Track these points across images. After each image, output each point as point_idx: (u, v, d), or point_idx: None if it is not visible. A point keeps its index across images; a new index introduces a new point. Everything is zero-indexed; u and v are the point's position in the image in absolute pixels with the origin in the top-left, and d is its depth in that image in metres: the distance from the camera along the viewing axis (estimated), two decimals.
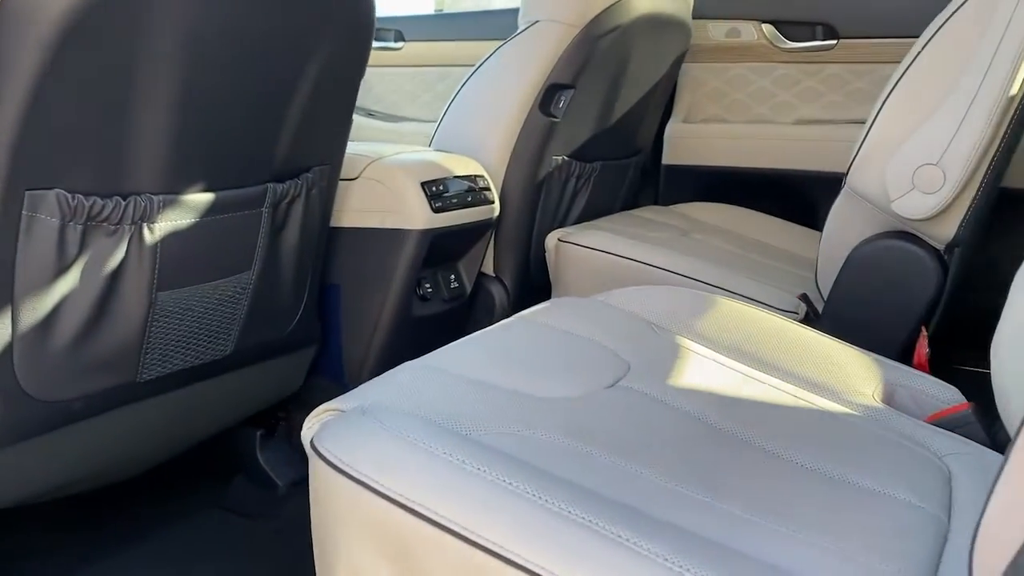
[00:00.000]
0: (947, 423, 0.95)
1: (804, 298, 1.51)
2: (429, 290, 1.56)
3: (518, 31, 1.64)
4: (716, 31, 2.11)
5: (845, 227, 1.42)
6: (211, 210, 1.12)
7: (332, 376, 1.54)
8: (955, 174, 1.25)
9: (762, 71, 2.13)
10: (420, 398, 0.79)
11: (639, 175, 2.10)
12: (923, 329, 1.36)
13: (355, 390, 0.83)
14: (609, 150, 1.90)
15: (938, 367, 1.35)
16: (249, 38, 1.04)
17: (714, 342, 1.06)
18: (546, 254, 1.73)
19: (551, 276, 1.72)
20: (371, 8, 1.19)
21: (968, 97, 1.23)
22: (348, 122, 1.31)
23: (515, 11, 1.72)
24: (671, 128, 2.18)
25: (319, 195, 1.31)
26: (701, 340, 1.06)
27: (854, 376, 1.01)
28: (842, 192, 1.42)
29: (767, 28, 2.08)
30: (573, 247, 1.65)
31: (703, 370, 0.98)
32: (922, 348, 1.37)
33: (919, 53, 1.30)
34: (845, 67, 2.04)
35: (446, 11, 3.34)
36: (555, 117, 1.65)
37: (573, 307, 1.12)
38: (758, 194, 2.10)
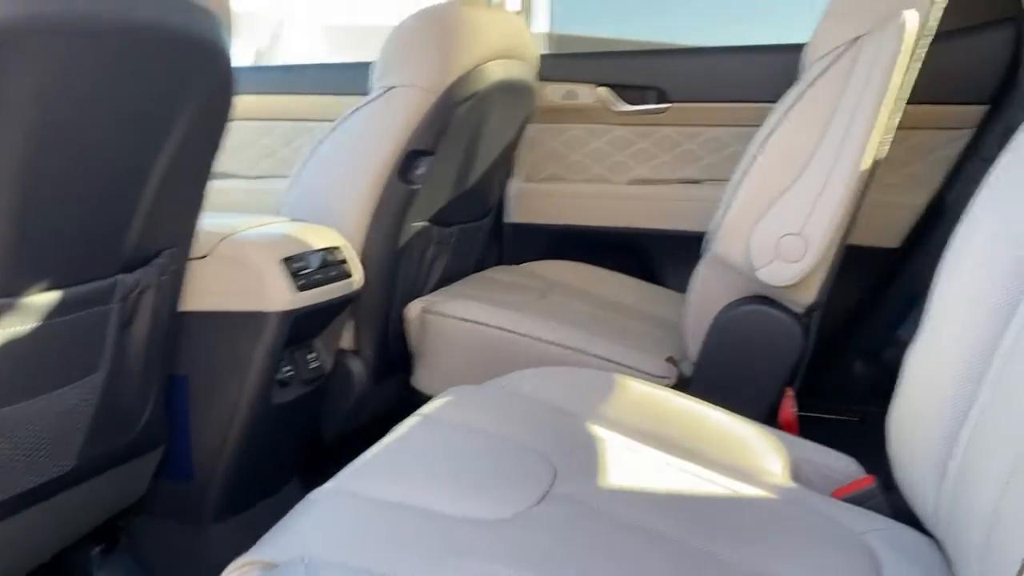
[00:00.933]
0: (856, 498, 0.97)
1: (672, 361, 1.53)
2: (289, 373, 1.44)
3: (374, 95, 1.58)
4: (554, 93, 2.14)
5: (710, 291, 1.46)
6: (54, 311, 0.96)
7: (179, 476, 1.38)
8: (816, 243, 1.32)
9: (598, 132, 2.18)
10: (351, 541, 0.70)
11: (489, 236, 2.08)
12: (788, 390, 1.42)
13: (273, 533, 0.73)
14: (465, 213, 1.86)
15: (806, 421, 1.41)
16: (105, 118, 0.91)
17: (627, 427, 1.04)
18: (406, 325, 1.65)
19: (412, 347, 1.65)
20: (230, 73, 1.08)
21: (826, 168, 1.30)
22: (202, 198, 1.18)
23: (365, 65, 1.65)
24: (514, 187, 2.18)
25: (170, 281, 1.17)
26: (614, 426, 1.04)
27: (763, 455, 1.02)
28: (706, 258, 1.46)
29: (603, 91, 2.14)
30: (438, 318, 1.59)
31: (628, 464, 0.95)
32: (787, 407, 1.42)
33: (777, 126, 1.37)
34: (676, 129, 2.13)
35: (267, 63, 3.18)
36: (415, 184, 1.59)
37: (477, 399, 1.06)
38: (599, 251, 2.14)
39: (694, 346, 1.48)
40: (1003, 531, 0.68)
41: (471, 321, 1.55)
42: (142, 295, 1.12)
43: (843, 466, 1.03)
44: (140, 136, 0.98)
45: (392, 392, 1.76)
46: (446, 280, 1.83)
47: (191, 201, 1.16)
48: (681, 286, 2.05)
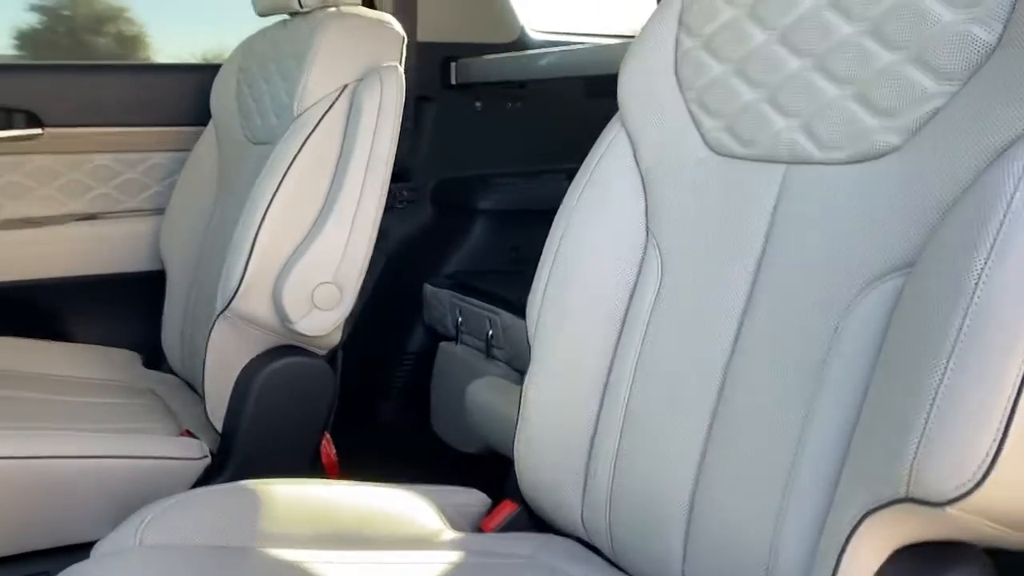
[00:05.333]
0: (507, 526, 1.08)
1: (190, 434, 1.38)
2: None
3: None
4: None
5: (231, 352, 1.35)
6: None
7: None
8: (350, 288, 1.34)
9: None
10: None
11: None
12: (325, 433, 1.43)
13: None
14: None
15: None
16: None
17: (296, 538, 0.94)
18: None
19: None
20: None
21: (349, 214, 1.33)
22: None
23: None
24: None
25: None
26: (285, 543, 0.93)
27: (422, 516, 1.04)
28: (222, 318, 1.34)
29: None
30: None
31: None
32: (328, 451, 1.44)
33: (284, 176, 1.32)
34: (55, 158, 1.82)
35: None
36: None
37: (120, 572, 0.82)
38: None
39: (217, 414, 1.36)
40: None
41: None
42: None
43: (474, 499, 1.12)
44: None
45: None
46: None
47: None
48: (103, 338, 1.81)
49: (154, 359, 1.78)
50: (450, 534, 1.04)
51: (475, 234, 2.03)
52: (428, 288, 1.92)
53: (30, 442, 1.19)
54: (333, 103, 1.36)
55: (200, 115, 1.79)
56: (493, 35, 2.15)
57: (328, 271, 1.32)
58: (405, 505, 1.06)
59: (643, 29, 1.07)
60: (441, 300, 1.88)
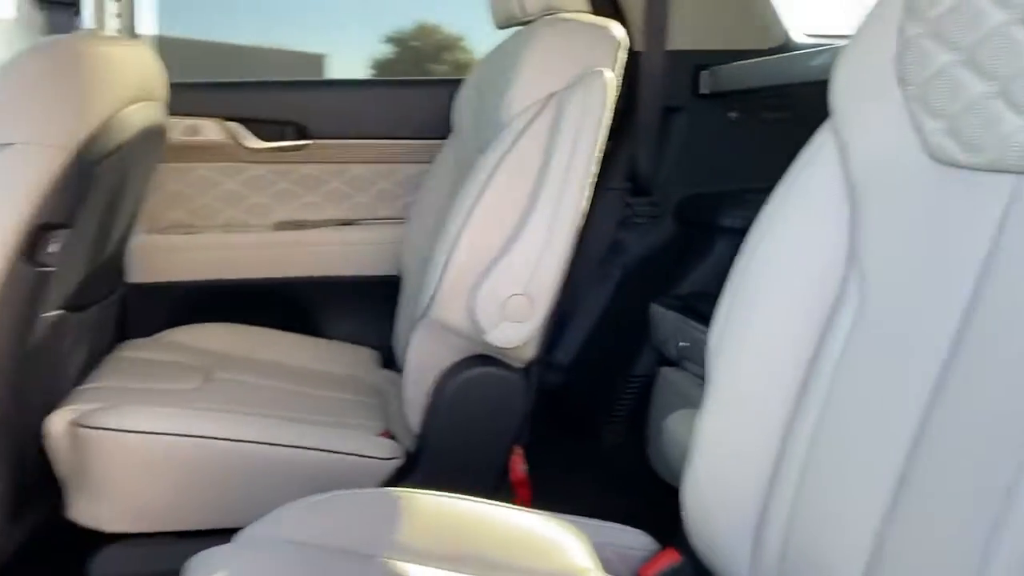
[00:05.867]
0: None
1: (389, 435, 1.41)
2: None
3: None
4: (174, 128, 1.85)
5: (429, 357, 1.37)
6: None
7: None
8: (543, 301, 1.30)
9: (230, 171, 1.94)
10: None
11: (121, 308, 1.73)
12: (516, 448, 1.39)
13: None
14: (102, 288, 1.51)
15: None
16: None
17: (429, 555, 0.91)
18: (48, 443, 1.29)
19: (60, 467, 1.29)
20: None
21: (545, 225, 1.28)
22: None
23: None
24: (135, 241, 1.84)
25: None
26: (417, 558, 0.90)
27: (571, 552, 0.97)
28: (422, 323, 1.36)
29: (232, 126, 1.90)
30: (96, 433, 1.25)
31: None
32: (517, 466, 1.40)
33: (485, 185, 1.31)
34: (318, 167, 1.98)
35: None
36: (47, 265, 1.24)
37: (243, 569, 0.84)
38: (244, 308, 1.91)
39: (415, 417, 1.38)
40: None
41: (142, 432, 1.26)
42: None
43: (638, 541, 1.02)
44: None
45: (32, 527, 1.37)
46: (85, 373, 1.47)
47: None
48: (348, 336, 1.94)
49: (390, 358, 1.87)
50: None
51: (715, 254, 1.89)
52: (655, 308, 1.82)
53: (235, 425, 1.28)
54: (539, 112, 1.32)
55: (444, 128, 1.85)
56: (754, 41, 1.99)
57: (520, 283, 1.29)
58: (558, 537, 0.99)
59: (864, 19, 0.91)
60: (667, 322, 1.77)
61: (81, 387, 1.43)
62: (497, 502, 1.05)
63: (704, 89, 1.96)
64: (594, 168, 1.33)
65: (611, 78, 1.34)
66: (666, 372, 1.74)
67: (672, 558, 0.99)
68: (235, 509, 1.24)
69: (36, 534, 1.39)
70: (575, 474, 1.46)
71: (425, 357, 1.37)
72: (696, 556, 0.96)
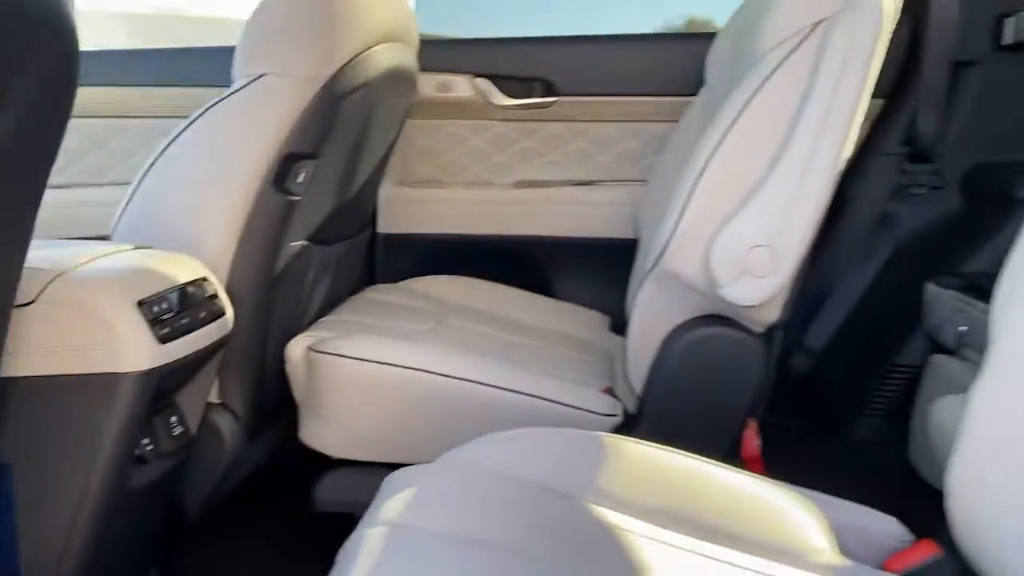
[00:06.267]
0: (918, 572, 0.81)
1: (611, 392, 1.34)
2: (148, 447, 1.10)
3: (238, 85, 1.26)
4: (426, 84, 1.89)
5: (656, 313, 1.27)
6: None
7: None
8: (790, 255, 1.16)
9: (477, 129, 1.95)
10: None
11: (366, 252, 1.80)
12: (750, 421, 1.26)
13: None
14: (347, 227, 1.57)
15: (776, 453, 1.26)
16: None
17: (637, 507, 0.82)
18: (288, 368, 1.35)
19: (297, 393, 1.35)
20: (75, 47, 0.77)
21: (798, 170, 1.14)
22: (30, 221, 0.84)
23: (229, 50, 1.32)
24: (385, 192, 1.91)
25: None
26: (622, 507, 0.82)
27: (803, 527, 0.84)
28: (652, 276, 1.27)
29: (481, 82, 1.91)
30: (330, 359, 1.29)
31: (655, 559, 0.73)
32: (750, 441, 1.27)
33: (732, 125, 1.19)
34: (564, 125, 1.94)
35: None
36: (294, 194, 1.29)
37: (442, 490, 0.80)
38: (483, 262, 1.92)
39: (637, 376, 1.29)
40: None
41: (372, 361, 1.28)
42: None
43: (888, 529, 0.86)
44: None
45: (268, 449, 1.45)
46: (327, 307, 1.54)
47: (14, 225, 0.82)
48: (580, 298, 1.88)
49: (621, 324, 1.79)
50: (834, 559, 0.81)
51: (1008, 230, 1.61)
52: (930, 288, 1.58)
53: (461, 364, 1.26)
54: (800, 42, 1.17)
55: (692, 85, 1.73)
56: None
57: (765, 233, 1.15)
58: (788, 509, 0.86)
59: None
60: (944, 304, 1.53)
61: (323, 319, 1.48)
62: (720, 464, 0.94)
63: (1007, 39, 1.68)
64: (860, 115, 1.16)
65: (890, 6, 1.16)
66: (939, 361, 1.51)
67: (930, 550, 0.82)
68: (452, 447, 1.22)
69: (271, 457, 1.47)
70: (814, 465, 1.30)
71: (652, 313, 1.28)
72: (961, 554, 0.80)
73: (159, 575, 1.29)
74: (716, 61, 1.64)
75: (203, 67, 1.77)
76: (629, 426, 1.27)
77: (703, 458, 0.92)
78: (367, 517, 0.79)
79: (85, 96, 1.97)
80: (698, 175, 1.21)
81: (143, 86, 1.88)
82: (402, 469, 0.85)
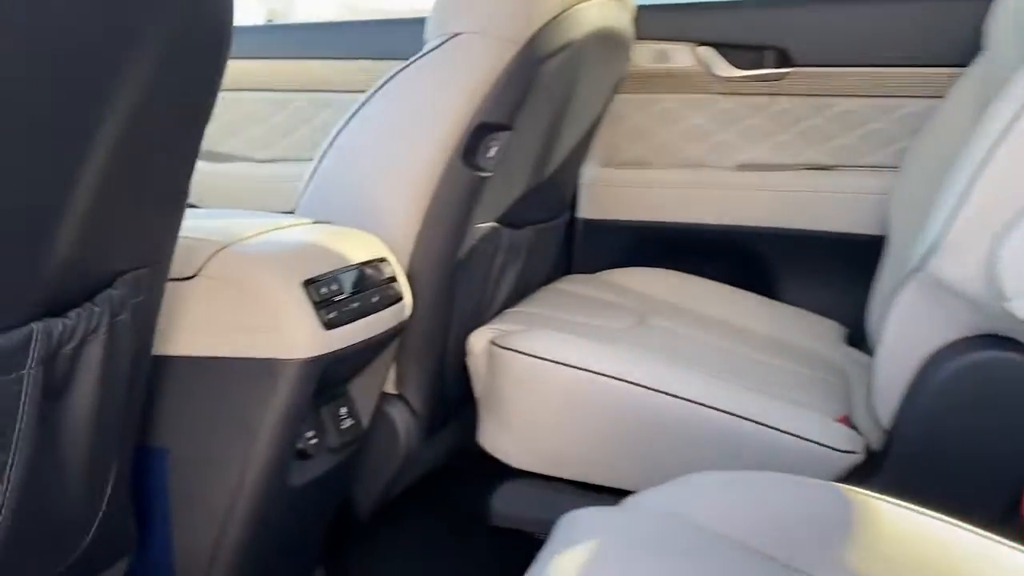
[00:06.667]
0: None
1: (847, 422, 1.10)
2: (312, 441, 1.01)
3: (430, 46, 1.14)
4: (641, 55, 1.70)
5: (916, 329, 1.02)
6: None
7: None
8: None
9: (696, 104, 1.74)
10: None
11: (564, 238, 1.64)
12: None
13: None
14: (541, 210, 1.43)
15: None
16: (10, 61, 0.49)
17: None
18: (469, 360, 1.22)
19: (477, 387, 1.22)
20: (224, 10, 0.66)
21: None
22: (183, 193, 0.76)
23: (416, 23, 1.21)
24: (588, 173, 1.74)
25: (133, 320, 0.75)
26: None
27: None
28: (912, 281, 1.02)
29: (704, 52, 1.69)
30: (514, 356, 1.15)
31: None
32: None
33: None
34: (799, 100, 1.68)
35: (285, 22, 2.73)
36: (484, 170, 1.16)
37: (620, 547, 0.63)
38: (695, 255, 1.70)
39: (886, 406, 1.04)
40: None
41: (562, 364, 1.12)
42: (82, 349, 0.70)
43: None
44: (71, 90, 0.56)
45: (445, 449, 1.34)
46: (515, 298, 1.40)
47: (166, 196, 0.74)
48: (810, 303, 1.62)
49: (859, 336, 1.52)
50: None
51: None
52: None
53: (670, 377, 1.08)
54: None
55: (963, 53, 1.43)
56: None
57: None
58: None
59: None
60: None
61: (511, 309, 1.35)
62: (1005, 540, 0.69)
63: None
64: None
65: None
66: None
67: None
68: (652, 473, 1.04)
69: (449, 458, 1.35)
70: None
71: (910, 327, 1.02)
72: None
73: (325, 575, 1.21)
74: (1001, 23, 1.34)
75: (403, 38, 1.70)
76: (869, 467, 1.03)
77: (981, 531, 0.68)
78: (537, 566, 0.63)
79: (283, 69, 1.95)
80: (981, 162, 0.94)
81: (343, 59, 1.83)
82: (583, 510, 0.69)
